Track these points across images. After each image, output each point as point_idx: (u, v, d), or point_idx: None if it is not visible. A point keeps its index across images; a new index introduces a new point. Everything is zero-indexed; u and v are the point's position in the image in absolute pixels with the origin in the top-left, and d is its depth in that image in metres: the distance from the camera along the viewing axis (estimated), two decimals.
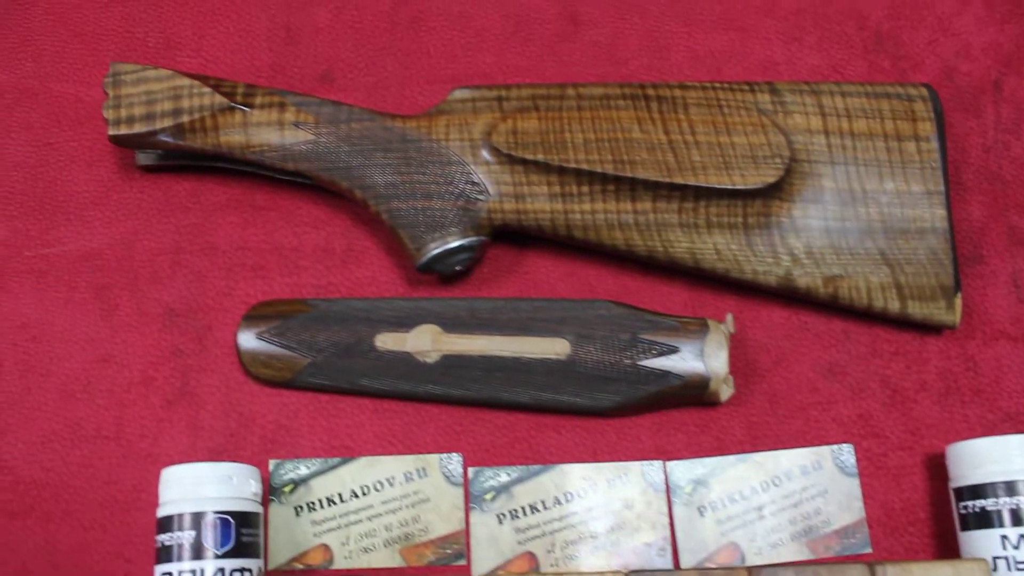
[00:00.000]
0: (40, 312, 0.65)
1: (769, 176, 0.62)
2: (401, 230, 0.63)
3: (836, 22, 0.71)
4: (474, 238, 0.62)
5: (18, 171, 0.68)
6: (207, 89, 0.63)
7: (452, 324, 0.62)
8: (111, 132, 0.63)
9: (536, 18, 0.71)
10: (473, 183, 0.62)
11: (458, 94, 0.65)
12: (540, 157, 0.62)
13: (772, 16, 0.71)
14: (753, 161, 0.62)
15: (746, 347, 0.64)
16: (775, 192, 0.62)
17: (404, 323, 0.62)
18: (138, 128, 0.63)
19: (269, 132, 0.63)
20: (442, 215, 0.62)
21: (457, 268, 0.63)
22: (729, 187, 0.61)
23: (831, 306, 0.64)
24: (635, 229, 0.62)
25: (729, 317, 0.62)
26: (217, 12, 0.71)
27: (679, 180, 0.61)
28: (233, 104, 0.63)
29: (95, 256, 0.66)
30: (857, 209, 0.63)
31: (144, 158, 0.67)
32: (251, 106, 0.63)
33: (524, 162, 0.62)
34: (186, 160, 0.67)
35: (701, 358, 0.61)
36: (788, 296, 0.64)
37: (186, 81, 0.63)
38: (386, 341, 0.62)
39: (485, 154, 0.63)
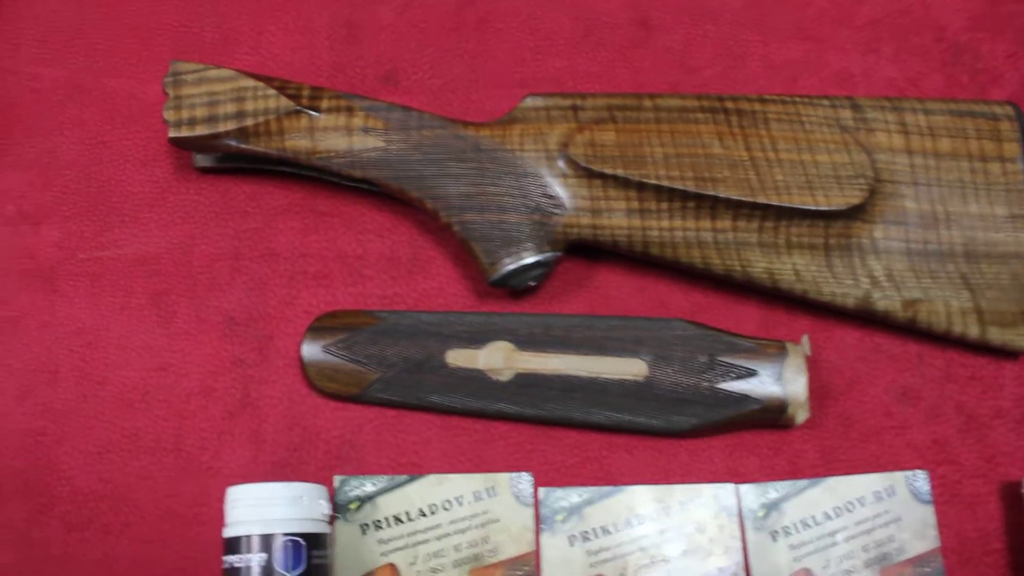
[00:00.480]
0: (95, 317, 0.63)
1: (854, 197, 0.60)
2: (474, 244, 0.61)
3: (913, 33, 0.69)
4: (550, 254, 0.61)
5: (71, 170, 0.66)
6: (272, 91, 0.61)
7: (525, 341, 0.61)
8: (172, 134, 0.61)
9: (607, 22, 0.69)
10: (549, 196, 0.61)
11: (530, 101, 0.63)
12: (620, 172, 0.60)
13: (848, 26, 0.69)
14: (837, 181, 0.60)
15: (819, 368, 0.63)
16: (857, 213, 0.61)
17: (476, 339, 0.61)
18: (200, 131, 0.61)
19: (336, 137, 0.61)
20: (517, 229, 0.60)
21: (531, 284, 0.61)
22: (813, 208, 0.60)
23: (908, 329, 0.63)
24: (713, 248, 0.61)
25: (805, 339, 0.61)
26: (276, 7, 0.69)
27: (762, 200, 0.60)
28: (299, 108, 0.61)
29: (151, 260, 0.64)
30: (939, 232, 0.62)
31: (202, 160, 0.65)
32: (318, 110, 0.61)
33: (603, 176, 0.60)
34: (245, 163, 0.65)
35: (780, 382, 0.60)
36: (865, 319, 0.63)
37: (250, 82, 0.61)
38: (457, 358, 0.61)
39: (561, 166, 0.61)
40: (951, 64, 0.69)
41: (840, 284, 0.61)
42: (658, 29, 0.69)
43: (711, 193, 0.60)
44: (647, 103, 0.62)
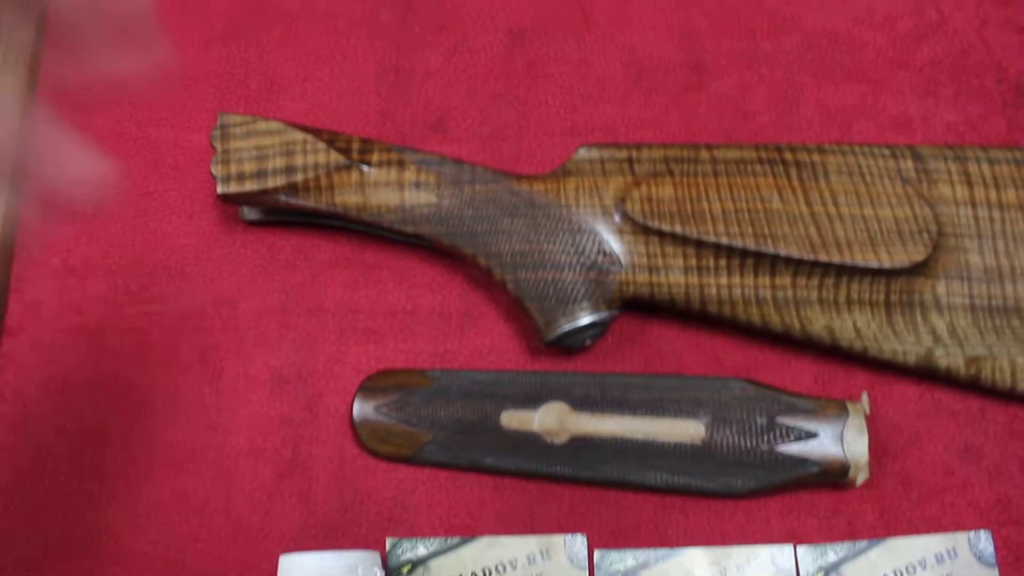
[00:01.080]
0: (143, 375, 0.62)
1: (917, 254, 0.59)
2: (529, 303, 0.60)
3: (974, 75, 0.67)
4: (606, 313, 0.59)
5: (116, 222, 0.65)
6: (322, 145, 0.60)
7: (581, 402, 0.59)
8: (220, 190, 0.60)
9: (659, 67, 0.67)
10: (605, 253, 0.59)
11: (584, 153, 0.61)
12: (678, 229, 0.59)
13: (906, 69, 0.67)
14: (900, 237, 0.59)
15: (878, 425, 0.62)
16: (919, 268, 0.59)
17: (531, 399, 0.60)
18: (249, 186, 0.60)
19: (388, 193, 0.60)
20: (573, 288, 0.59)
21: (587, 343, 0.60)
22: (876, 266, 0.58)
23: (970, 386, 0.61)
24: (772, 305, 0.60)
25: (864, 396, 0.60)
26: (322, 54, 0.68)
27: (823, 258, 0.58)
28: (350, 162, 0.60)
29: (198, 316, 0.63)
30: (1004, 287, 0.60)
31: (249, 212, 0.64)
32: (368, 163, 0.60)
33: (660, 233, 0.59)
34: (293, 216, 0.64)
35: (840, 444, 0.58)
36: (927, 376, 0.61)
37: (299, 135, 0.60)
38: (512, 420, 0.59)
39: (618, 221, 0.60)
40: (1013, 107, 0.67)
41: (902, 341, 0.60)
42: (711, 74, 0.67)
43: (771, 251, 0.58)
44: (704, 154, 0.61)
